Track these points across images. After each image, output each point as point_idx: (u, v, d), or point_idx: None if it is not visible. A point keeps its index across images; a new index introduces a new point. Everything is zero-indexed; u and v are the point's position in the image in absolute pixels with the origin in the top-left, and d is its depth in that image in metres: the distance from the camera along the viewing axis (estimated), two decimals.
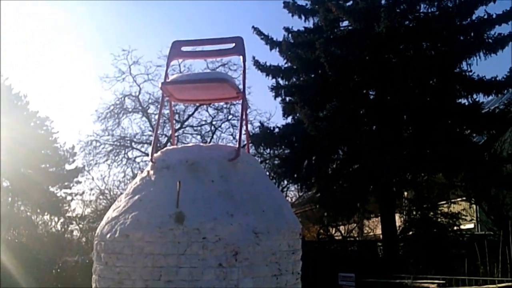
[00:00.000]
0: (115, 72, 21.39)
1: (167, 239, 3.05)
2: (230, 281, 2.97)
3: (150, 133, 20.50)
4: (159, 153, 3.67)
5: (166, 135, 20.38)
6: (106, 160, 20.10)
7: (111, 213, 3.40)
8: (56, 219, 17.16)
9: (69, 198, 23.81)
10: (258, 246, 3.15)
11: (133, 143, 20.60)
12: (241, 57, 3.99)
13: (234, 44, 4.00)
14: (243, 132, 3.95)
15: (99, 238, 3.30)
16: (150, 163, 3.57)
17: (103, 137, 20.27)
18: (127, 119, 20.95)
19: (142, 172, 3.67)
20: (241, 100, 3.99)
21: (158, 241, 3.06)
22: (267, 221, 3.28)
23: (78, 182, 25.81)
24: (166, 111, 20.33)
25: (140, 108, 20.46)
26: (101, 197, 18.99)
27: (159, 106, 20.37)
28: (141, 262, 3.04)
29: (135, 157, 20.66)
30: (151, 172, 3.52)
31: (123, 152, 20.44)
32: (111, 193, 17.79)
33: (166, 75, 3.95)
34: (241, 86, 3.87)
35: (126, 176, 19.78)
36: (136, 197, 3.37)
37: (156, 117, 20.54)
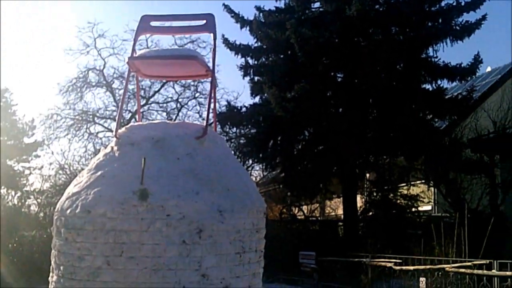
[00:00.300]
0: (79, 45, 20.75)
1: (130, 216, 3.03)
2: (194, 258, 2.98)
3: (113, 108, 20.11)
4: (123, 129, 3.62)
5: (130, 111, 20.03)
6: (67, 134, 19.61)
7: (72, 188, 3.34)
8: (13, 193, 16.74)
9: (27, 172, 23.24)
10: (222, 224, 3.16)
11: (95, 118, 20.15)
12: (211, 34, 3.93)
13: (205, 21, 3.93)
14: (211, 110, 3.92)
15: (59, 213, 3.24)
16: (114, 139, 3.51)
17: (64, 110, 19.76)
18: (90, 93, 20.41)
19: (105, 147, 3.62)
20: (210, 78, 3.96)
21: (121, 217, 3.03)
22: (232, 199, 3.29)
23: (37, 156, 25.21)
24: (131, 87, 20.10)
25: (104, 82, 19.99)
26: (60, 172, 18.57)
27: (124, 81, 20.08)
28: (103, 238, 3.01)
29: (97, 132, 20.25)
30: (115, 148, 3.46)
31: (85, 126, 19.97)
32: (71, 168, 17.43)
33: (134, 50, 3.86)
34: (210, 64, 3.82)
35: (88, 151, 19.41)
36: (99, 172, 3.32)
37: (121, 92, 20.15)
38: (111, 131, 20.01)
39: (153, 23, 3.98)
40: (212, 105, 4.09)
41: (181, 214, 3.07)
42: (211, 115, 3.93)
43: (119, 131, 3.57)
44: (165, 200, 3.08)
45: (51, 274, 3.20)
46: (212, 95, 3.92)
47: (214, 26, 3.91)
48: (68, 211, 3.13)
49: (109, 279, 2.91)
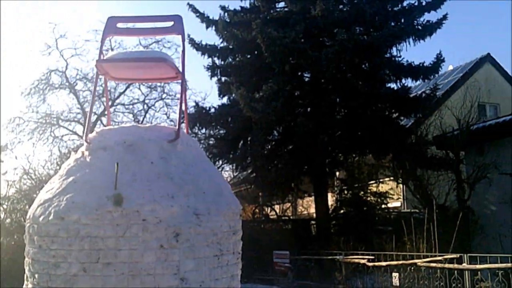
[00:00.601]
0: (41, 46, 20.29)
1: (105, 221, 2.98)
2: (172, 262, 2.96)
3: (78, 110, 19.74)
4: (94, 133, 3.55)
5: (95, 113, 19.71)
6: (31, 138, 19.14)
7: (43, 195, 3.26)
8: None
9: None
10: (199, 227, 3.14)
11: (60, 121, 19.73)
12: (180, 36, 3.90)
13: (172, 23, 3.89)
14: (182, 113, 3.89)
15: (31, 220, 3.16)
16: (85, 144, 3.44)
17: (27, 114, 19.27)
18: (54, 95, 20.03)
19: (74, 152, 3.55)
20: (179, 80, 3.93)
21: (95, 223, 2.98)
22: (208, 202, 3.28)
23: (0, 161, 24.50)
24: (97, 88, 19.75)
25: (67, 84, 19.57)
26: (25, 177, 18.13)
27: (88, 82, 19.67)
28: (78, 244, 2.95)
29: (62, 136, 19.80)
30: (86, 153, 3.39)
31: (49, 130, 19.52)
32: (36, 173, 17.02)
33: (101, 52, 3.80)
34: (180, 66, 3.79)
35: (53, 155, 18.98)
36: (71, 178, 3.25)
37: (85, 94, 19.81)
38: (76, 134, 19.66)
39: (120, 25, 3.92)
40: (183, 107, 4.05)
41: (157, 218, 3.04)
42: (183, 117, 3.89)
43: (90, 135, 3.50)
44: (141, 205, 3.04)
45: (25, 282, 3.12)
46: (183, 97, 3.89)
47: (182, 28, 3.87)
48: (41, 218, 3.05)
49: (86, 286, 2.86)
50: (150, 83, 18.65)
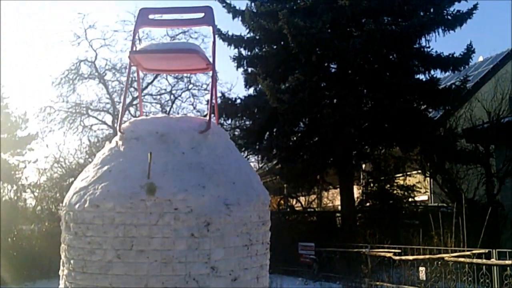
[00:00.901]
0: (71, 36, 20.62)
1: (139, 210, 3.05)
2: (202, 251, 3.01)
3: (107, 100, 20.07)
4: (127, 123, 3.62)
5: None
6: (61, 127, 19.58)
7: (79, 183, 3.34)
8: (9, 187, 16.67)
9: (22, 165, 23.13)
10: (229, 217, 3.18)
11: (89, 111, 20.08)
12: (210, 27, 3.93)
13: (203, 14, 3.92)
14: (213, 104, 3.92)
15: (67, 208, 3.25)
16: (119, 133, 3.51)
17: (57, 103, 19.67)
18: (83, 85, 20.42)
19: (105, 142, 3.62)
20: (210, 72, 3.96)
21: (129, 212, 3.05)
22: (238, 193, 3.32)
23: (31, 150, 25.10)
24: (123, 78, 20.02)
25: (96, 74, 19.89)
26: (55, 165, 18.58)
27: (115, 72, 19.91)
28: (112, 232, 3.03)
29: (91, 125, 20.19)
30: (120, 142, 3.47)
31: (79, 119, 19.91)
32: (66, 162, 17.41)
33: (133, 44, 3.86)
34: (210, 57, 3.82)
35: (82, 144, 19.34)
36: (105, 167, 3.32)
37: (114, 84, 20.10)
38: (105, 123, 20.00)
39: (151, 16, 3.97)
40: (213, 99, 4.09)
41: (188, 208, 3.10)
42: (213, 108, 3.92)
43: (123, 125, 3.57)
44: (173, 194, 3.10)
45: (61, 268, 3.22)
46: (214, 88, 3.93)
47: (213, 19, 3.90)
48: (77, 205, 3.14)
49: (120, 272, 2.93)
50: (177, 74, 18.78)
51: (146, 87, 19.77)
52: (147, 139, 3.40)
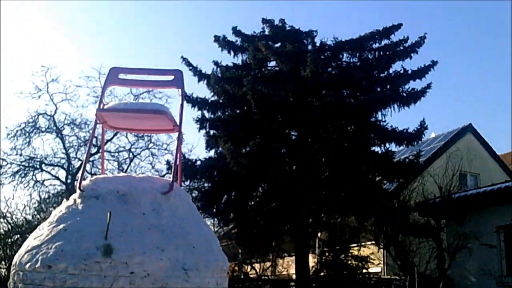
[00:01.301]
0: (32, 89, 20.30)
1: (93, 272, 2.94)
2: None
3: (62, 155, 19.59)
4: (87, 181, 3.55)
5: (80, 159, 19.58)
6: (12, 181, 18.85)
7: (31, 241, 3.21)
8: None
9: None
10: (187, 283, 3.11)
11: (43, 165, 19.50)
12: (179, 90, 4.00)
13: (173, 77, 4.01)
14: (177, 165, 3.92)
15: (17, 267, 3.10)
16: (78, 191, 3.44)
17: (10, 156, 19.05)
18: (39, 138, 19.86)
19: (64, 198, 3.53)
20: (175, 133, 3.99)
21: (83, 274, 2.94)
22: (197, 257, 3.27)
23: None
24: (82, 134, 19.73)
25: (54, 128, 19.52)
26: (1, 220, 17.72)
27: (74, 127, 19.56)
28: None
29: (44, 180, 19.52)
30: (79, 200, 3.39)
31: (31, 173, 19.26)
32: (13, 217, 16.66)
33: (101, 101, 3.87)
34: (177, 119, 3.86)
35: (32, 199, 18.59)
36: (61, 226, 3.22)
37: (71, 139, 19.73)
38: (58, 179, 19.39)
39: (121, 76, 4.01)
40: (178, 160, 4.08)
41: (145, 271, 3.01)
42: (177, 170, 3.92)
43: (83, 183, 3.50)
44: (130, 257, 3.01)
45: None
46: (179, 150, 3.94)
47: (182, 82, 3.99)
48: (28, 265, 3.00)
49: None
50: (137, 133, 18.68)
51: (105, 143, 19.48)
52: (107, 198, 3.34)
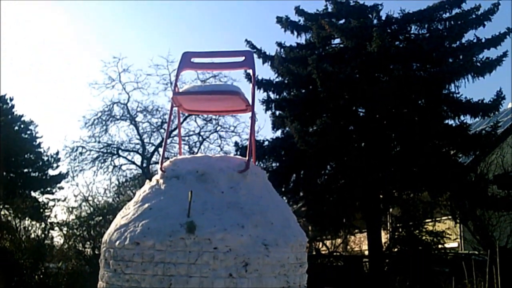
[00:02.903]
0: (105, 79, 21.23)
1: (178, 248, 3.08)
2: None
3: (137, 141, 20.45)
4: (168, 162, 3.70)
5: (153, 144, 20.33)
6: (92, 166, 19.94)
7: (119, 220, 3.40)
8: (37, 224, 16.88)
9: (51, 203, 23.53)
10: (268, 258, 3.18)
11: (119, 151, 20.46)
12: (251, 70, 4.05)
13: (244, 58, 4.06)
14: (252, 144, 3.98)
15: (107, 245, 3.30)
16: (160, 172, 3.59)
17: (89, 143, 20.11)
18: (115, 126, 20.82)
19: (149, 180, 3.68)
20: (248, 113, 4.05)
21: (169, 250, 3.08)
22: (276, 233, 3.33)
23: (61, 188, 25.56)
24: (155, 120, 20.44)
25: (128, 116, 20.37)
26: (84, 204, 18.82)
27: (146, 114, 20.30)
28: (151, 270, 3.06)
29: (121, 165, 20.51)
30: (161, 181, 3.54)
31: (109, 159, 20.28)
32: (95, 201, 17.64)
33: (176, 86, 3.98)
34: (249, 99, 3.90)
35: (112, 183, 19.58)
36: (146, 205, 3.39)
37: (144, 125, 20.48)
38: (135, 163, 20.28)
39: (194, 59, 4.11)
40: (253, 139, 4.15)
41: (227, 247, 3.11)
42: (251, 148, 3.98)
43: (164, 164, 3.65)
44: (212, 233, 3.12)
45: None
46: (253, 129, 4.00)
47: (253, 62, 4.04)
48: (117, 242, 3.18)
49: None
50: (205, 116, 19.07)
51: (175, 129, 20.08)
52: (187, 177, 3.46)
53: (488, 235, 12.33)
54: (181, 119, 19.35)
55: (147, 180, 3.66)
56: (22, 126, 26.08)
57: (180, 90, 3.87)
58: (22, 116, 26.16)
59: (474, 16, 14.69)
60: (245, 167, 3.55)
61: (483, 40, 14.43)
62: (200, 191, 3.36)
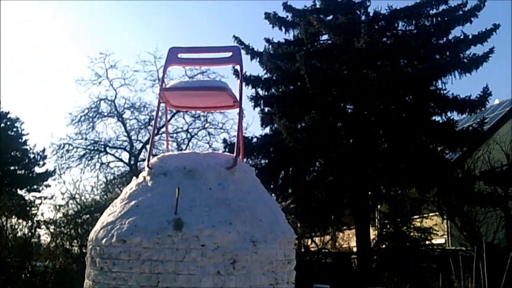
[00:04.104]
0: (91, 75, 21.04)
1: (166, 245, 3.04)
2: None
3: (124, 138, 20.27)
4: (155, 159, 3.66)
5: (140, 141, 20.20)
6: (79, 164, 19.73)
7: (105, 218, 3.36)
8: (24, 223, 16.70)
9: (38, 201, 23.31)
10: (256, 255, 3.16)
11: (107, 148, 20.28)
12: (238, 66, 4.02)
13: (231, 53, 4.03)
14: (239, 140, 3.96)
15: (93, 242, 3.26)
16: (146, 169, 3.55)
17: (76, 140, 19.90)
18: (102, 123, 20.62)
19: (136, 177, 3.64)
20: (236, 109, 4.02)
21: (156, 247, 3.05)
22: (264, 230, 3.31)
23: (48, 186, 25.34)
24: (142, 117, 20.33)
25: (115, 112, 20.18)
26: (71, 201, 18.65)
27: (134, 111, 20.13)
28: (138, 268, 3.02)
29: (109, 162, 20.32)
30: (148, 178, 3.50)
31: (96, 156, 20.08)
32: (82, 198, 17.49)
33: (163, 81, 3.94)
34: (237, 95, 3.87)
35: (99, 181, 19.42)
36: (133, 202, 3.34)
37: (131, 122, 20.33)
38: (122, 161, 20.12)
39: (181, 55, 4.07)
40: (240, 135, 4.12)
41: (215, 244, 3.09)
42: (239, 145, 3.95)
43: (151, 161, 3.61)
44: (200, 230, 3.09)
45: None
46: (240, 125, 3.98)
47: (240, 58, 4.01)
48: (104, 240, 3.14)
49: None
50: (194, 112, 18.98)
51: (162, 126, 19.98)
52: (175, 174, 3.43)
53: (475, 231, 12.43)
54: (169, 116, 19.27)
55: (134, 177, 3.62)
56: (8, 123, 25.79)
57: (168, 86, 3.83)
58: (8, 113, 25.88)
59: (461, 12, 14.76)
60: (232, 164, 3.53)
61: (470, 37, 14.51)
62: (188, 188, 3.33)
